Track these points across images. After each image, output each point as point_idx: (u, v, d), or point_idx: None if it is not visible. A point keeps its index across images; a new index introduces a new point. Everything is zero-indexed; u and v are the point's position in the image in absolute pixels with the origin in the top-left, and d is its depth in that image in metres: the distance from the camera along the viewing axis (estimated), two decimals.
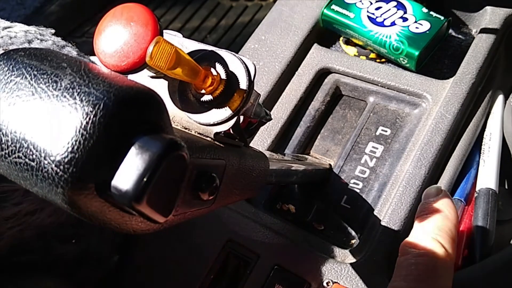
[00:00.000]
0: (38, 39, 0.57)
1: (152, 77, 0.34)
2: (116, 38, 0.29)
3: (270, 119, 0.41)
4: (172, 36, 0.35)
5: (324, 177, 0.60)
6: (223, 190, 0.34)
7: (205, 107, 0.33)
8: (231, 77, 0.32)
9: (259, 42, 0.71)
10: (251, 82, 0.32)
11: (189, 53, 0.33)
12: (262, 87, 0.65)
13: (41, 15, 1.72)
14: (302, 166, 0.54)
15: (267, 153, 0.45)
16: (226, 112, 0.32)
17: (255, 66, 0.33)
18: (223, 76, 0.32)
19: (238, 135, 0.37)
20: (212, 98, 0.32)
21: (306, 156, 0.62)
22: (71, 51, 0.58)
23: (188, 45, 0.34)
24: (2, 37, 0.55)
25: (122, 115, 0.22)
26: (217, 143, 0.33)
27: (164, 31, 0.34)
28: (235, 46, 1.60)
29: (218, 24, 1.69)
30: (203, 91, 0.32)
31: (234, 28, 1.67)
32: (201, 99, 0.32)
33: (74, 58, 0.24)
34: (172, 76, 0.30)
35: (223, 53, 0.33)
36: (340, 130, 0.64)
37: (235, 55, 0.33)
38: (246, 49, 0.71)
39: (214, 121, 0.33)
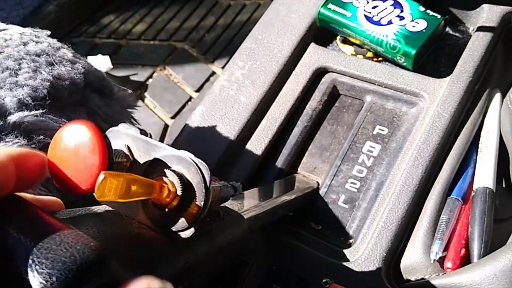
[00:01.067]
0: (33, 41, 0.57)
1: None
2: (67, 164, 0.29)
3: (241, 192, 0.39)
4: (128, 134, 0.33)
5: (312, 196, 0.59)
6: (197, 280, 0.34)
7: (165, 213, 0.32)
8: (186, 189, 0.31)
9: (256, 41, 0.71)
10: (208, 194, 0.30)
11: (144, 159, 0.32)
12: (259, 87, 0.65)
13: (39, 15, 1.72)
14: (289, 197, 0.53)
15: (251, 202, 0.44)
16: (184, 222, 0.31)
17: (209, 170, 0.31)
18: (179, 191, 0.31)
19: (209, 218, 0.35)
20: (168, 209, 0.31)
21: (295, 175, 0.62)
22: (66, 52, 0.58)
23: (142, 147, 0.32)
24: None
25: None
26: (183, 244, 0.32)
27: (121, 125, 0.33)
28: (233, 45, 1.60)
29: (216, 23, 1.69)
30: (161, 201, 0.31)
31: (232, 26, 1.68)
32: (160, 207, 0.31)
33: None
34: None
35: (177, 157, 0.31)
36: (337, 130, 0.64)
37: (192, 159, 0.31)
38: (243, 49, 0.71)
39: (175, 228, 0.31)
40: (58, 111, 0.52)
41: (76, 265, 0.22)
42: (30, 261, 0.22)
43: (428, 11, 0.64)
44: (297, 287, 0.52)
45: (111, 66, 1.55)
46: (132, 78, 1.55)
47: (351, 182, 0.59)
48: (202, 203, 0.30)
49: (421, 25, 0.63)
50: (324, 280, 0.51)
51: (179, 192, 0.30)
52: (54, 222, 0.25)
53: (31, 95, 0.49)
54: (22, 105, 0.49)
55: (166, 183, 0.30)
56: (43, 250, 0.23)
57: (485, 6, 0.65)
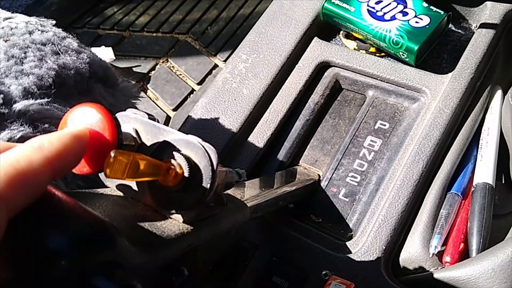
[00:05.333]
0: (39, 30, 0.57)
1: None
2: None
3: (245, 179, 0.39)
4: (136, 118, 0.33)
5: (313, 189, 0.60)
6: (200, 263, 0.34)
7: (171, 195, 0.32)
8: (193, 172, 0.31)
9: (260, 35, 0.71)
10: (214, 177, 0.31)
11: (151, 142, 0.32)
12: (262, 80, 0.66)
13: (42, 5, 1.72)
14: (289, 188, 0.54)
15: (252, 191, 0.44)
16: (190, 203, 0.31)
17: (217, 154, 0.31)
18: (186, 173, 0.31)
19: (213, 203, 0.35)
20: (174, 190, 0.31)
21: (296, 167, 0.62)
22: (71, 42, 0.59)
23: (150, 130, 0.32)
24: (3, 28, 0.55)
25: (78, 262, 0.22)
26: (187, 226, 0.32)
27: (129, 110, 0.33)
28: (235, 38, 1.60)
29: (219, 16, 1.69)
30: (168, 183, 0.31)
31: (234, 20, 1.67)
32: (166, 188, 0.32)
33: None
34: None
35: (185, 141, 0.32)
36: (339, 124, 0.64)
37: (200, 143, 0.31)
38: (247, 42, 0.71)
39: (180, 210, 0.32)
40: (63, 100, 0.52)
41: (83, 237, 0.23)
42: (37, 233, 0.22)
43: (432, 7, 0.64)
44: (297, 279, 0.52)
45: (114, 58, 1.55)
46: (134, 69, 1.55)
47: (352, 176, 0.59)
48: (209, 185, 0.31)
49: (424, 21, 0.63)
50: (323, 272, 0.51)
51: (186, 174, 0.31)
52: (62, 197, 0.25)
53: (36, 83, 0.50)
54: (27, 94, 0.49)
55: (173, 165, 0.31)
56: (51, 222, 0.23)
57: (488, 3, 0.65)
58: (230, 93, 0.66)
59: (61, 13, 1.71)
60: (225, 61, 1.54)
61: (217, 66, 1.54)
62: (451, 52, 0.65)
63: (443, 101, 0.58)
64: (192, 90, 1.49)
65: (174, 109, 1.45)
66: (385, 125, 0.62)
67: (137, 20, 1.72)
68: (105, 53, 1.54)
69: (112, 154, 0.27)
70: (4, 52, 0.50)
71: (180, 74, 1.53)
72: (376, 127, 0.62)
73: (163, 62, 1.58)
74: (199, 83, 1.51)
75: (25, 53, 0.52)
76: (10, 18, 0.58)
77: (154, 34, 1.68)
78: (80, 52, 0.57)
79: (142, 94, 1.48)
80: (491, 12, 0.64)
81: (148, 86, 1.51)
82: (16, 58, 0.51)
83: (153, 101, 1.48)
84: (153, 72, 1.55)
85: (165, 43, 1.63)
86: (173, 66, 1.56)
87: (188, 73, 1.53)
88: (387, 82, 0.63)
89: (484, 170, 0.55)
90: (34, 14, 0.69)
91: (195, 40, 1.63)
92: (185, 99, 1.48)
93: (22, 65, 0.51)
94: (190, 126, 0.65)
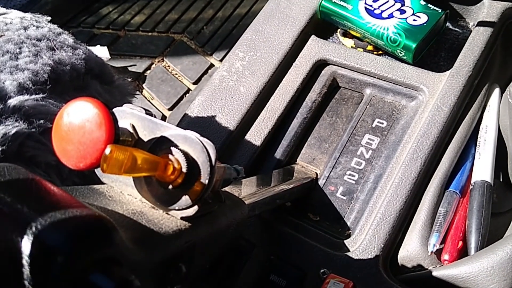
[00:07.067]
0: (34, 25, 0.57)
1: None
2: (72, 138, 0.28)
3: (243, 176, 0.39)
4: (133, 113, 0.33)
5: (310, 187, 0.59)
6: (198, 260, 0.34)
7: (169, 191, 0.32)
8: (191, 167, 0.31)
9: (257, 33, 0.71)
10: (213, 173, 0.30)
11: (148, 137, 0.32)
12: (259, 78, 0.65)
13: (37, 5, 1.71)
14: (287, 186, 0.53)
15: (249, 189, 0.44)
16: (188, 199, 0.31)
17: (216, 150, 0.31)
18: (184, 168, 0.30)
19: (211, 200, 0.35)
20: (172, 186, 0.31)
21: (294, 166, 0.62)
22: (67, 38, 0.58)
23: (147, 126, 0.32)
24: None
25: (73, 260, 0.22)
26: (185, 222, 0.32)
27: (126, 105, 0.33)
28: (231, 38, 1.59)
29: (215, 16, 1.68)
30: (165, 179, 0.31)
31: (230, 19, 1.67)
32: (163, 184, 0.31)
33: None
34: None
35: (183, 136, 0.31)
36: (336, 122, 0.64)
37: (198, 138, 0.31)
38: (244, 40, 0.71)
39: (178, 207, 0.31)
40: (58, 96, 0.52)
41: (80, 233, 0.22)
42: (33, 229, 0.22)
43: (429, 5, 0.64)
44: (294, 278, 0.52)
45: (109, 57, 1.54)
46: (130, 69, 1.54)
47: (350, 174, 0.59)
48: (207, 181, 0.30)
49: (422, 19, 0.63)
50: (321, 271, 0.51)
51: (184, 170, 0.30)
52: (58, 192, 0.25)
53: (31, 79, 0.49)
54: (22, 89, 0.48)
55: (171, 161, 0.30)
56: (47, 218, 0.22)
57: (486, 1, 0.66)
58: (227, 91, 0.66)
59: (56, 12, 1.70)
60: (221, 60, 1.53)
61: (213, 65, 1.54)
62: (448, 50, 0.65)
63: (441, 99, 0.58)
64: (188, 90, 1.49)
65: (170, 109, 1.45)
66: (382, 123, 0.61)
67: (133, 19, 1.71)
68: (101, 53, 1.53)
69: (109, 149, 0.26)
70: None
71: (176, 74, 1.53)
72: (373, 125, 0.62)
73: (158, 61, 1.57)
74: (195, 83, 1.50)
75: (20, 48, 0.51)
76: (4, 13, 0.58)
77: (150, 34, 1.67)
78: (76, 48, 0.57)
79: (138, 93, 1.48)
80: (488, 10, 0.64)
81: (144, 85, 1.50)
82: (11, 53, 0.50)
83: (149, 101, 1.47)
84: (148, 71, 1.55)
85: (161, 42, 1.63)
86: (168, 66, 1.56)
87: (184, 73, 1.52)
88: (384, 80, 0.63)
89: (482, 168, 0.54)
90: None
91: (191, 39, 1.62)
92: (181, 98, 1.47)
93: (17, 61, 0.50)
94: (187, 124, 0.65)
